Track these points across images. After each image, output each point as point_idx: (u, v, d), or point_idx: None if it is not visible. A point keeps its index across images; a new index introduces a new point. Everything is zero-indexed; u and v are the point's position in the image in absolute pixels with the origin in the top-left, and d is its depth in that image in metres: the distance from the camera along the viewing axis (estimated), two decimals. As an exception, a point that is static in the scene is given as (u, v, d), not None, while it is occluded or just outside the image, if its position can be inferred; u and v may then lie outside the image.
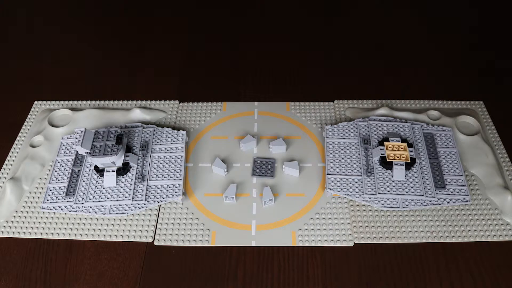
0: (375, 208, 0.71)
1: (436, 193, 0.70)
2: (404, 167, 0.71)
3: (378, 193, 0.70)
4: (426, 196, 0.69)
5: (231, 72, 0.95)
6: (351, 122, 0.80)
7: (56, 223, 0.70)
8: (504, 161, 0.77)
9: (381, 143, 0.74)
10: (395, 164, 0.71)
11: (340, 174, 0.73)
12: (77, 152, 0.77)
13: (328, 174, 0.73)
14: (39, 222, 0.71)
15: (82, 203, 0.70)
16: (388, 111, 0.83)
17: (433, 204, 0.69)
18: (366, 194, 0.70)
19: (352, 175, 0.73)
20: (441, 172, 0.73)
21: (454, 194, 0.70)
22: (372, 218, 0.70)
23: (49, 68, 0.98)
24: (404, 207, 0.69)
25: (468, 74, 0.93)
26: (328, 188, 0.71)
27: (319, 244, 0.67)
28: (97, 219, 0.71)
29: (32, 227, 0.70)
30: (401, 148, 0.72)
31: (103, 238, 0.69)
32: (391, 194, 0.70)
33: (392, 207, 0.69)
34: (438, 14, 1.09)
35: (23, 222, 0.71)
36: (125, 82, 0.93)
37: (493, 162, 0.76)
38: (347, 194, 0.70)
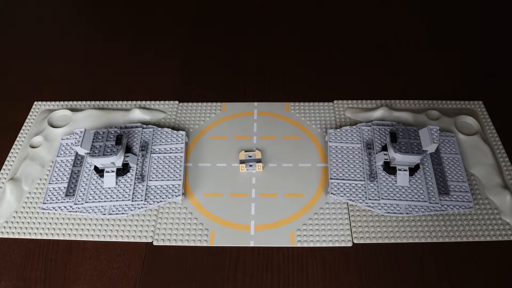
0: (379, 213, 0.70)
1: (440, 199, 0.70)
2: (408, 172, 0.71)
3: (382, 198, 0.70)
4: (430, 202, 0.69)
5: (231, 72, 0.95)
6: (354, 126, 0.79)
7: (56, 223, 0.71)
8: (503, 161, 0.77)
9: (384, 148, 0.74)
10: (399, 170, 0.71)
11: (343, 179, 0.73)
12: (76, 153, 0.77)
13: (331, 178, 0.73)
14: (39, 223, 0.71)
15: (82, 204, 0.70)
16: (388, 111, 0.83)
17: (437, 211, 0.69)
18: (369, 199, 0.70)
19: (355, 180, 0.73)
20: (444, 178, 0.73)
21: (458, 201, 0.70)
22: (371, 218, 0.70)
23: (49, 68, 0.98)
24: (407, 213, 0.69)
25: (468, 74, 0.93)
26: (331, 193, 0.71)
27: (318, 245, 0.67)
28: (97, 219, 0.71)
29: (32, 228, 0.70)
30: None
31: (103, 238, 0.69)
32: (395, 200, 0.70)
33: (395, 213, 0.69)
34: (438, 13, 1.09)
35: (23, 222, 0.71)
36: (125, 83, 0.93)
37: (492, 162, 0.76)
38: (350, 199, 0.70)
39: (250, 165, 0.75)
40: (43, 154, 0.79)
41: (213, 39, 1.04)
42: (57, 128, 0.82)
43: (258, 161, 0.75)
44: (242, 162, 0.75)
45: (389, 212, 0.69)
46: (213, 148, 0.80)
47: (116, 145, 0.70)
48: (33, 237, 0.69)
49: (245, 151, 0.76)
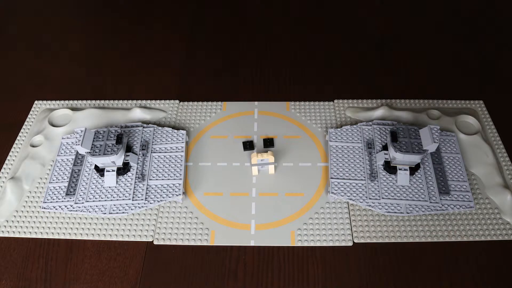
0: (379, 213, 0.70)
1: (440, 199, 0.70)
2: (408, 172, 0.70)
3: (382, 198, 0.70)
4: (430, 202, 0.69)
5: (231, 72, 0.95)
6: (354, 126, 0.79)
7: (56, 222, 0.71)
8: (504, 160, 0.77)
9: (385, 148, 0.74)
10: (399, 169, 0.71)
11: (344, 178, 0.73)
12: (77, 152, 0.77)
13: (331, 178, 0.73)
14: (40, 222, 0.71)
15: (83, 203, 0.70)
16: (388, 110, 0.83)
17: (437, 210, 0.69)
18: (370, 199, 0.70)
19: (356, 179, 0.73)
20: (445, 177, 0.72)
21: (458, 200, 0.70)
22: (371, 217, 0.70)
23: (49, 68, 0.98)
24: (408, 213, 0.69)
25: (469, 74, 0.93)
26: (332, 193, 0.71)
27: (318, 244, 0.67)
28: (97, 218, 0.71)
29: (32, 227, 0.70)
30: None
31: (103, 237, 0.69)
32: (395, 199, 0.70)
33: (396, 212, 0.69)
34: (438, 13, 1.09)
35: (23, 221, 0.71)
36: (125, 82, 0.93)
37: (493, 161, 0.76)
38: (350, 199, 0.70)
39: (262, 167, 0.75)
40: (44, 153, 0.79)
41: (214, 38, 1.04)
42: (58, 127, 0.82)
43: (271, 163, 0.74)
44: (254, 165, 0.73)
45: (389, 212, 0.69)
46: (214, 147, 0.80)
47: (116, 144, 0.70)
48: (34, 236, 0.69)
49: (257, 153, 0.72)
